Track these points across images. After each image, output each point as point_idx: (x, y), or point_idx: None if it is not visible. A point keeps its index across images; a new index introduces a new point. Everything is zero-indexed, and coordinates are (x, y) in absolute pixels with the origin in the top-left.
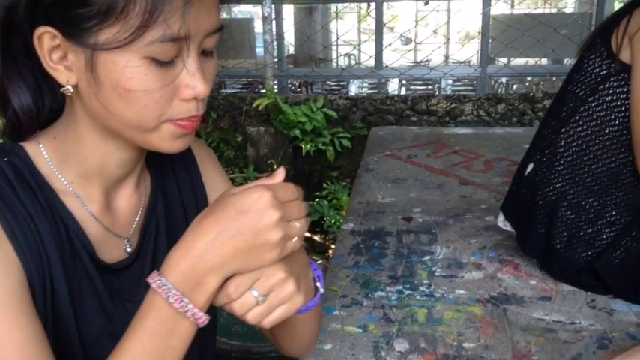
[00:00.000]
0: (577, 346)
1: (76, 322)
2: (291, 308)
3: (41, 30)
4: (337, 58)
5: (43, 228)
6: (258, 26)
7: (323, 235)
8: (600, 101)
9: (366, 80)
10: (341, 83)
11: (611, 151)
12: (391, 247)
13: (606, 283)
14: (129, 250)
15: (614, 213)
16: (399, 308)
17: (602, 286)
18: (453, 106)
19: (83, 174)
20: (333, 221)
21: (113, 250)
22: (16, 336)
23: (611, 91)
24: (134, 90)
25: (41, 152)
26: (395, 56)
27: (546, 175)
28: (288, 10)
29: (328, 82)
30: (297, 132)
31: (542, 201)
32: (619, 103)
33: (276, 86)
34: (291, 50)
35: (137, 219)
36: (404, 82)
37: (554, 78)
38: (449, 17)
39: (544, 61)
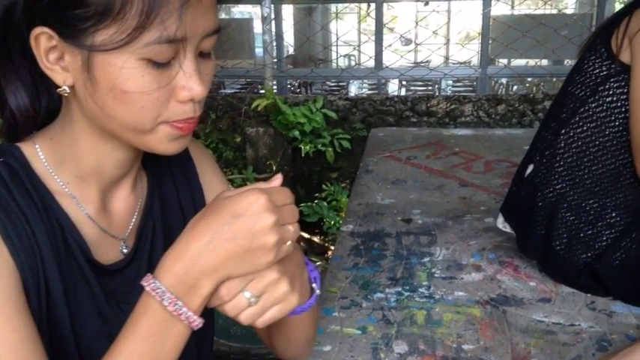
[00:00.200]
0: (577, 349)
1: (72, 323)
2: (285, 308)
3: (38, 30)
4: (337, 58)
5: (38, 229)
6: (257, 26)
7: (322, 237)
8: (600, 102)
9: (365, 81)
10: (340, 84)
11: (611, 152)
12: (390, 248)
13: (606, 285)
14: (125, 251)
15: (614, 214)
16: (398, 310)
17: (602, 288)
18: (452, 107)
19: (79, 175)
20: (332, 222)
21: (109, 251)
22: (9, 337)
23: (611, 92)
24: (130, 91)
25: (37, 153)
26: (395, 57)
27: (546, 176)
28: (288, 11)
29: (328, 82)
30: (296, 133)
31: (542, 202)
32: (619, 104)
33: (275, 87)
34: (291, 51)
35: (133, 220)
36: (404, 82)
37: (554, 79)
38: (449, 18)
39: (544, 62)
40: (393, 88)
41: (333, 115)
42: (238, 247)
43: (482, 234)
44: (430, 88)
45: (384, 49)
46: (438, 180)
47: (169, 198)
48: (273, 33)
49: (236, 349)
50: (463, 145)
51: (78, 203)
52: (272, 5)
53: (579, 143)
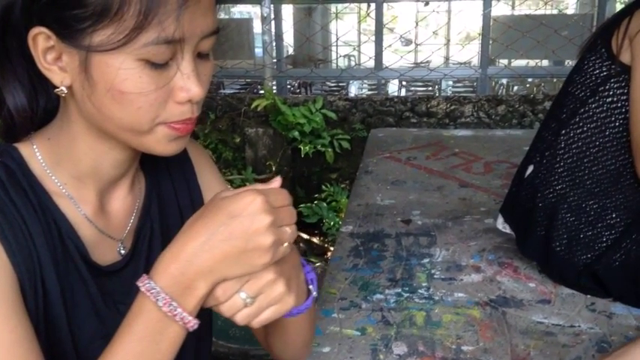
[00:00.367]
0: (576, 350)
1: (69, 324)
2: (281, 309)
3: (36, 30)
4: (337, 59)
5: (35, 229)
6: (257, 26)
7: (322, 238)
8: (600, 103)
9: (365, 81)
10: (340, 84)
11: (611, 152)
12: (390, 249)
13: (606, 287)
14: (123, 252)
15: (614, 215)
16: (398, 311)
17: (601, 290)
18: (452, 107)
19: (77, 175)
20: (332, 223)
21: (107, 252)
22: (6, 338)
23: (611, 93)
24: (128, 92)
25: (35, 153)
26: (395, 57)
27: (546, 177)
28: (288, 11)
29: (327, 83)
30: (296, 133)
31: (542, 203)
32: (619, 104)
33: (275, 87)
34: (291, 51)
35: (131, 221)
36: (404, 83)
37: (555, 80)
38: (449, 18)
39: (545, 62)
40: (393, 88)
41: (332, 115)
42: (234, 248)
43: (482, 235)
44: (430, 88)
45: (384, 49)
46: (437, 181)
47: (167, 199)
48: (273, 33)
49: (235, 350)
50: (463, 146)
51: (75, 204)
52: (272, 5)
53: (579, 144)
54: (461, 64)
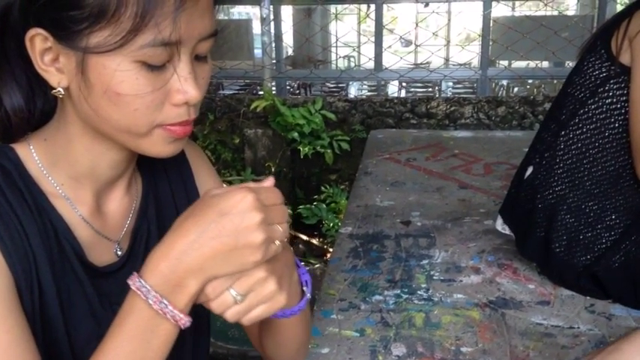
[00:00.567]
0: (575, 351)
1: (65, 325)
2: (272, 307)
3: (33, 32)
4: (336, 60)
5: (31, 230)
6: (256, 27)
7: (321, 239)
8: (600, 104)
9: (365, 82)
10: (340, 85)
11: (610, 154)
12: (389, 250)
13: (605, 288)
14: (119, 253)
15: (613, 217)
16: (397, 312)
17: (601, 291)
18: (452, 108)
19: (73, 176)
20: (331, 224)
21: (103, 253)
22: (2, 338)
23: (610, 94)
24: (124, 94)
25: (31, 154)
26: (395, 58)
27: (546, 178)
28: (287, 12)
29: (327, 84)
30: (295, 134)
31: (541, 204)
32: (619, 105)
33: (274, 88)
34: (290, 52)
35: (128, 222)
36: (403, 84)
37: (555, 81)
38: (449, 19)
39: (545, 63)
40: (393, 89)
41: (332, 116)
42: (224, 245)
43: (481, 236)
44: (430, 89)
45: (383, 50)
46: (437, 182)
47: (165, 200)
48: (272, 34)
49: (234, 351)
50: (463, 147)
51: (72, 205)
52: (271, 6)
53: (579, 145)
54: (461, 65)
